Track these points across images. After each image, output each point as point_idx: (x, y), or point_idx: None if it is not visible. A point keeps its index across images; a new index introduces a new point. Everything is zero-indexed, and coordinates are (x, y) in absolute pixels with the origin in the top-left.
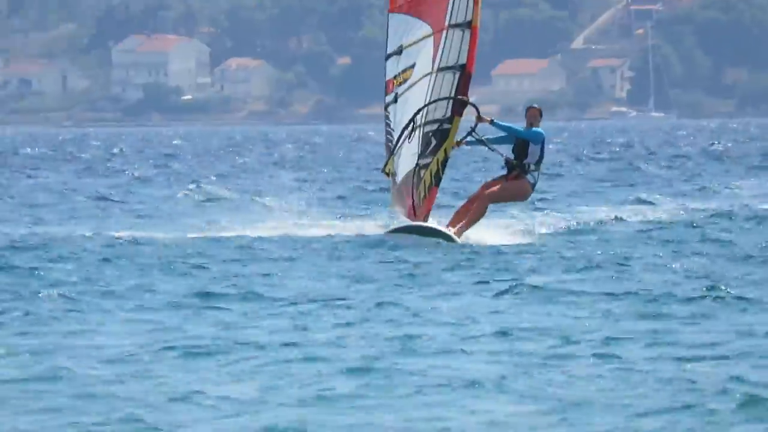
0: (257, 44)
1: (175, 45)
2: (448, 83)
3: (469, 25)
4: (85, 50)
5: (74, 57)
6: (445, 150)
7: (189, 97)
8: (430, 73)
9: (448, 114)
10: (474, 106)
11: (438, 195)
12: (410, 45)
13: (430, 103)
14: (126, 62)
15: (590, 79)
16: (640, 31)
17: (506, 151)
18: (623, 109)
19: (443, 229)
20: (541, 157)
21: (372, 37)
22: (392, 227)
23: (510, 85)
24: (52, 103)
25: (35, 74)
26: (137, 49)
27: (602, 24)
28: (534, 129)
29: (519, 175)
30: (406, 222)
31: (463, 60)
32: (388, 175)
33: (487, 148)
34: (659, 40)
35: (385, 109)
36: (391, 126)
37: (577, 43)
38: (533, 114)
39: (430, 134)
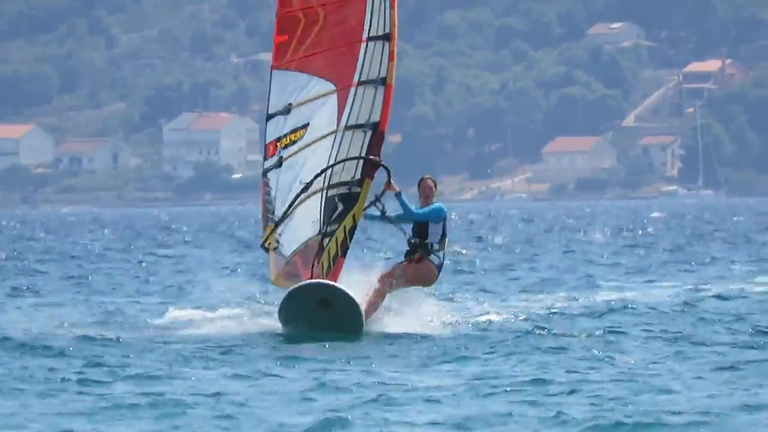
0: None
1: (226, 123)
2: (357, 143)
3: (383, 81)
4: (137, 128)
5: (126, 135)
6: (354, 216)
7: (239, 175)
8: (335, 132)
9: (358, 176)
10: (387, 169)
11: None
12: (303, 103)
13: (336, 163)
14: (177, 140)
15: (641, 157)
16: (691, 109)
17: (409, 228)
18: (673, 187)
19: (350, 292)
20: (444, 234)
21: (424, 115)
22: (294, 286)
23: (561, 163)
24: (103, 181)
25: (86, 152)
26: (189, 126)
27: (653, 102)
28: (434, 206)
29: (422, 257)
30: (307, 280)
31: (375, 118)
32: (267, 250)
33: (388, 223)
34: (710, 119)
35: (264, 175)
36: (272, 194)
37: (629, 121)
38: (426, 185)
39: (336, 199)
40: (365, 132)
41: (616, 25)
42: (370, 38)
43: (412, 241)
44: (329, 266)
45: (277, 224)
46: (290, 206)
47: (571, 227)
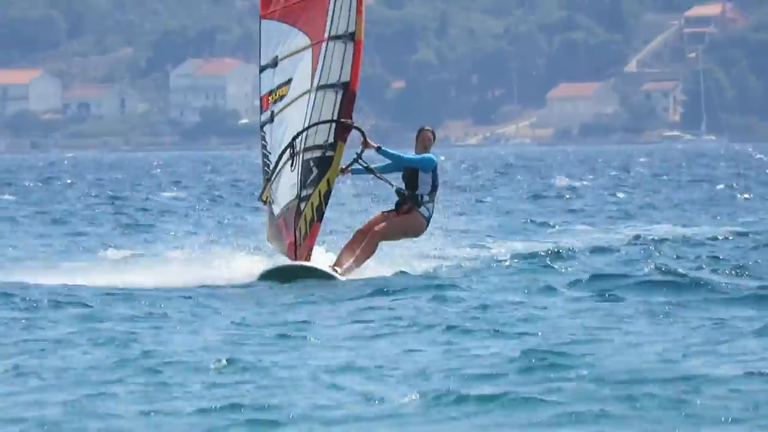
0: None
1: (233, 69)
2: (329, 104)
3: (351, 37)
4: (144, 74)
5: (133, 81)
6: (328, 180)
7: (246, 120)
8: (309, 92)
9: (331, 140)
10: (359, 130)
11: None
12: (285, 57)
13: (309, 126)
14: (184, 86)
15: (643, 102)
16: (693, 54)
17: (397, 180)
18: (676, 133)
19: (327, 269)
20: (435, 186)
21: (427, 61)
22: (266, 269)
23: (565, 109)
24: (111, 126)
25: (94, 98)
26: (195, 73)
27: (655, 47)
28: (425, 155)
29: (411, 208)
30: (284, 262)
31: (346, 77)
32: (265, 203)
33: (375, 177)
34: (711, 64)
35: (261, 129)
36: (267, 148)
37: (630, 66)
38: (425, 137)
39: (311, 162)
40: (336, 92)
41: None
42: None
43: (402, 191)
44: (306, 232)
45: (270, 180)
46: (275, 166)
47: (540, 170)
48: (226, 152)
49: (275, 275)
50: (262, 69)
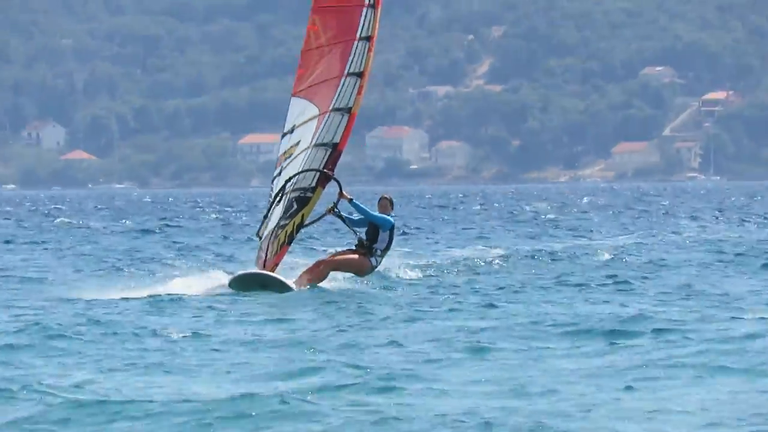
0: (460, 132)
1: (408, 133)
2: (319, 158)
3: (349, 110)
4: (352, 135)
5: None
6: (303, 215)
7: (416, 166)
8: (308, 148)
9: (313, 185)
10: (338, 182)
11: (297, 253)
12: (301, 125)
13: (299, 173)
14: (375, 144)
15: (674, 155)
16: (707, 124)
17: (361, 232)
18: (695, 174)
19: (284, 279)
20: (389, 245)
21: (534, 127)
22: (233, 275)
23: (623, 158)
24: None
25: None
26: (383, 135)
27: (683, 119)
28: (386, 217)
29: (365, 254)
30: (247, 270)
31: (337, 139)
32: (260, 238)
33: (345, 225)
34: (719, 131)
35: (271, 182)
36: (270, 198)
37: (666, 131)
38: (383, 204)
39: (293, 200)
40: (326, 150)
41: (659, 68)
42: (348, 74)
43: (362, 240)
44: (276, 251)
45: (265, 217)
46: (270, 206)
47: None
48: (403, 188)
49: (241, 281)
50: (283, 135)
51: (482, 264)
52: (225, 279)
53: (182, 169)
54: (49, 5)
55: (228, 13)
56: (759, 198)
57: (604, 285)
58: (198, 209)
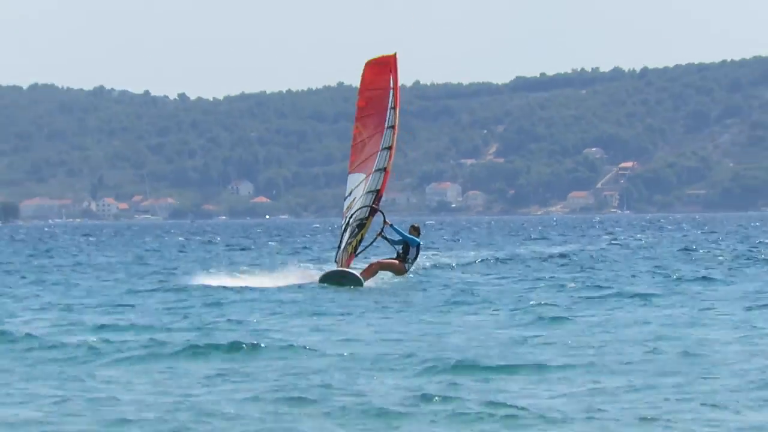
0: (479, 186)
1: (449, 186)
2: (369, 199)
3: (384, 170)
4: (417, 187)
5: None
6: (362, 234)
7: (454, 206)
8: (362, 195)
9: (366, 216)
10: (382, 213)
11: (355, 259)
12: (355, 187)
13: (357, 210)
14: (431, 192)
15: (603, 199)
16: (622, 181)
17: (399, 247)
18: (615, 210)
19: (358, 275)
20: (416, 257)
21: (524, 183)
22: (323, 274)
23: (574, 201)
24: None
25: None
26: (434, 188)
27: (608, 178)
28: (414, 237)
29: (402, 261)
30: (334, 268)
31: (377, 187)
32: (336, 262)
33: (389, 242)
34: (628, 185)
35: (341, 229)
36: (340, 237)
37: (599, 185)
38: (413, 230)
39: (355, 226)
40: (373, 194)
41: (594, 148)
42: (382, 149)
43: (399, 252)
44: (347, 257)
45: (338, 248)
46: (341, 237)
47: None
48: (445, 218)
49: (328, 277)
50: (345, 198)
51: (491, 261)
52: (317, 276)
53: (321, 208)
54: (239, 113)
55: None
56: (649, 222)
57: (562, 266)
58: (316, 230)
